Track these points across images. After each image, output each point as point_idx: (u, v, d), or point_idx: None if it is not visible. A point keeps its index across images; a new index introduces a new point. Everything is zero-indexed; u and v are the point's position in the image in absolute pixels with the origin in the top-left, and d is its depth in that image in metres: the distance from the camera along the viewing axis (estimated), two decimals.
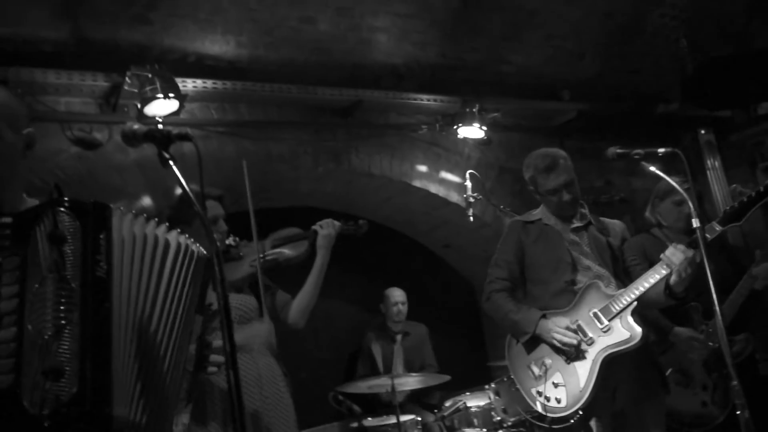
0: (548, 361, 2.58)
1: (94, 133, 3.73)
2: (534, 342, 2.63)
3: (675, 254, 2.44)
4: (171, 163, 1.50)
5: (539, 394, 2.56)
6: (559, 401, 2.50)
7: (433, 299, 5.52)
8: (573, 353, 2.53)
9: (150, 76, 3.49)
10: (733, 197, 5.19)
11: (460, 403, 4.19)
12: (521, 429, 3.87)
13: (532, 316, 2.62)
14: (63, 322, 1.29)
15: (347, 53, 4.46)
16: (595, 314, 2.57)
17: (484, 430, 3.99)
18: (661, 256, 2.49)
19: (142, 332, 1.42)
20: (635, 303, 2.52)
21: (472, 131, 4.70)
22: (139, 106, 3.61)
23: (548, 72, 5.32)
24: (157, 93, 3.48)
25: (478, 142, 4.97)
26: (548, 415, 2.51)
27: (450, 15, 4.68)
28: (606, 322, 2.54)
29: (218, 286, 1.39)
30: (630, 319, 2.52)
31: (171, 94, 3.51)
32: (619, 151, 2.52)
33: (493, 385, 4.06)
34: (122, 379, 1.34)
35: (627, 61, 5.54)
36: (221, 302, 1.37)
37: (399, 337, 4.91)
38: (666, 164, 2.62)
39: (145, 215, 1.51)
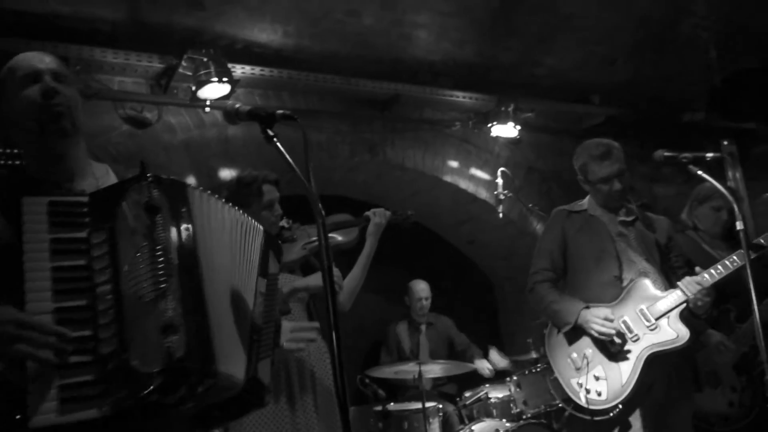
0: (589, 353, 2.59)
1: (144, 113, 3.85)
2: (575, 333, 2.64)
3: (690, 285, 2.53)
4: (275, 140, 1.60)
5: (580, 385, 2.58)
6: (599, 394, 2.53)
7: (453, 293, 5.63)
8: (616, 347, 2.55)
9: (205, 60, 3.60)
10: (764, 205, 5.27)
11: (483, 393, 4.32)
12: (542, 420, 4.00)
13: (573, 307, 2.63)
14: (164, 285, 1.34)
15: (388, 47, 4.56)
16: (642, 311, 2.58)
17: (503, 420, 4.10)
18: (678, 283, 2.57)
19: (225, 296, 1.51)
20: (684, 304, 2.55)
21: (505, 130, 4.80)
22: (193, 88, 3.71)
23: (579, 76, 5.41)
24: (211, 77, 3.59)
25: (508, 141, 5.08)
26: (589, 407, 2.54)
27: (488, 15, 4.78)
28: (653, 321, 2.56)
29: (325, 275, 1.49)
30: (678, 320, 2.54)
31: (224, 79, 3.62)
32: (666, 153, 2.55)
33: (515, 378, 4.18)
34: (219, 338, 1.41)
35: (657, 69, 5.63)
36: (327, 287, 1.47)
37: (423, 328, 5.03)
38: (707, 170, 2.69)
39: (211, 193, 1.59)
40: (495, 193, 4.60)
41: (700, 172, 2.48)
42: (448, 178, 5.01)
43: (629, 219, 2.79)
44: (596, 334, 2.57)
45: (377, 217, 2.96)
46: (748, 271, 2.30)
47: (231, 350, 1.48)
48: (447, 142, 5.02)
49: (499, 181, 4.62)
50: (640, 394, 2.55)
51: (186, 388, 1.34)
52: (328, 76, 4.31)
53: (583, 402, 2.55)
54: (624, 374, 2.52)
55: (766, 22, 5.40)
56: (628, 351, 2.54)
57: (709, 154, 2.53)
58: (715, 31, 5.44)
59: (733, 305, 3.11)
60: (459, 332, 5.13)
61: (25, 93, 1.54)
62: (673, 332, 2.54)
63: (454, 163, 5.02)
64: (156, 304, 1.33)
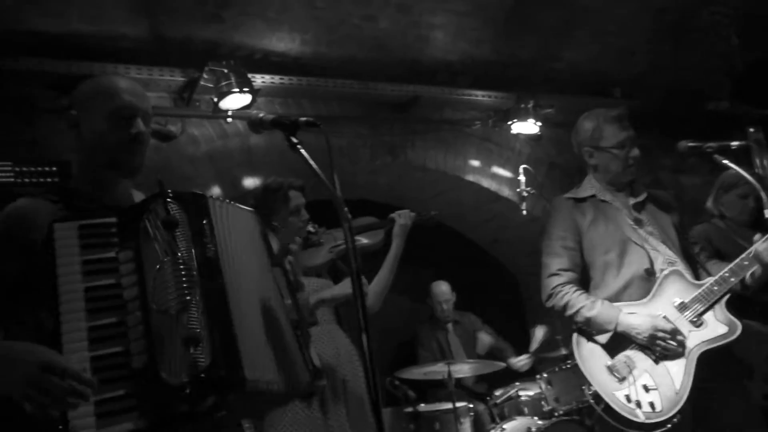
0: (632, 361, 2.31)
1: (168, 126, 3.92)
2: (612, 339, 2.35)
3: (737, 270, 2.31)
4: (299, 147, 1.62)
5: (628, 399, 2.26)
6: (653, 406, 2.23)
7: (479, 292, 5.62)
8: (663, 352, 2.29)
9: (226, 71, 3.66)
10: None
11: (513, 391, 4.31)
12: (574, 417, 3.97)
13: (611, 312, 2.34)
14: (188, 298, 1.39)
15: (405, 50, 4.58)
16: (683, 306, 2.34)
17: (535, 418, 4.08)
18: (751, 249, 2.30)
19: (251, 301, 1.55)
20: (729, 294, 2.31)
21: (526, 126, 4.79)
22: (215, 99, 3.78)
23: (598, 68, 5.37)
24: (232, 87, 3.65)
25: (529, 138, 5.06)
26: (647, 422, 2.23)
27: (504, 12, 4.77)
28: (696, 315, 2.32)
29: (354, 279, 1.53)
30: (725, 310, 2.30)
31: (245, 89, 3.67)
32: (690, 144, 2.44)
33: (545, 375, 4.16)
34: (246, 345, 1.44)
35: (677, 58, 5.56)
36: (356, 290, 1.49)
37: (450, 326, 5.04)
38: (733, 158, 2.61)
39: (227, 200, 1.63)
40: (518, 190, 4.59)
41: (725, 161, 2.38)
42: (470, 178, 5.01)
43: (641, 199, 2.53)
44: (651, 344, 2.30)
45: (402, 218, 2.98)
46: None
47: (265, 356, 1.51)
48: (468, 142, 5.02)
49: (522, 178, 4.61)
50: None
51: (215, 397, 1.37)
52: (347, 82, 4.34)
53: (642, 419, 2.22)
54: (676, 379, 2.25)
55: None
56: (677, 351, 2.28)
57: (735, 143, 2.44)
58: (735, 17, 5.36)
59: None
60: (484, 325, 5.12)
61: (117, 130, 1.58)
62: (723, 326, 2.29)
63: (475, 162, 5.02)
64: (180, 317, 1.38)
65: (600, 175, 2.55)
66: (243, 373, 1.40)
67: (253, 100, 3.88)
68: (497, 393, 4.43)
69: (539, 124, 4.82)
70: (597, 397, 2.35)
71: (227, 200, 1.62)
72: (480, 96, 4.85)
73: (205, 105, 4.00)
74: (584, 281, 2.51)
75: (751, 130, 6.09)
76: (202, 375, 1.33)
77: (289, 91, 4.28)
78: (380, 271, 2.94)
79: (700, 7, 5.29)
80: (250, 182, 4.15)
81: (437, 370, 4.04)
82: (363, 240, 2.99)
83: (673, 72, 5.61)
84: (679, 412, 2.21)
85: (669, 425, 2.22)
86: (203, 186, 4.00)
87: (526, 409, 4.26)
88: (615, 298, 2.41)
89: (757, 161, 6.00)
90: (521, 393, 4.31)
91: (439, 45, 4.69)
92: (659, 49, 5.44)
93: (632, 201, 2.51)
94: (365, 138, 4.61)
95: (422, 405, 4.22)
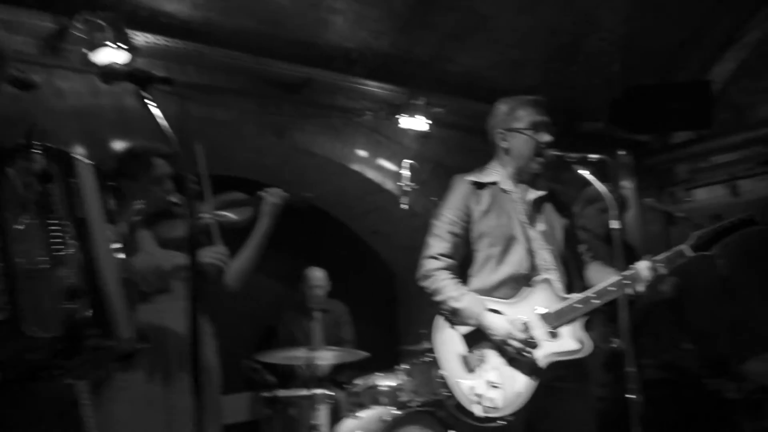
0: (485, 356, 2.36)
1: (30, 74, 3.59)
2: (473, 332, 2.40)
3: (646, 270, 2.33)
4: (149, 103, 1.55)
5: (471, 390, 2.31)
6: (493, 403, 2.29)
7: (353, 282, 5.65)
8: (515, 354, 2.34)
9: (101, 23, 3.40)
10: (647, 209, 5.58)
11: (373, 381, 4.36)
12: (428, 408, 4.08)
13: (476, 308, 2.37)
14: (62, 254, 1.36)
15: (302, 30, 4.48)
16: (545, 316, 2.37)
17: (391, 408, 4.16)
18: (631, 267, 2.36)
19: (109, 260, 1.55)
20: (588, 316, 2.35)
21: (414, 122, 4.84)
22: (86, 52, 3.50)
23: (490, 76, 5.52)
24: (107, 41, 3.39)
25: (417, 135, 5.13)
26: (484, 415, 2.29)
27: (406, 8, 4.80)
28: (554, 327, 2.35)
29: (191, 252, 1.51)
30: (582, 329, 2.35)
31: (122, 45, 3.43)
32: (554, 153, 2.50)
33: (406, 366, 4.25)
34: (112, 303, 1.45)
35: (563, 77, 5.85)
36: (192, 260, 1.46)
37: (318, 315, 5.02)
38: (595, 172, 2.72)
39: (84, 161, 1.58)
40: (398, 183, 4.65)
41: (582, 172, 2.43)
42: (355, 167, 5.01)
43: (541, 194, 2.53)
44: (501, 345, 2.35)
45: (272, 196, 2.89)
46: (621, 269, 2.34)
47: (122, 312, 1.52)
48: (357, 131, 5.01)
49: (404, 172, 4.67)
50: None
51: (87, 351, 1.38)
52: (237, 53, 4.18)
53: (480, 413, 2.28)
54: (520, 383, 2.32)
55: (665, 41, 5.75)
56: (527, 357, 2.33)
57: (593, 156, 2.47)
58: (619, 46, 5.71)
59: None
60: (348, 322, 5.14)
61: None
62: (576, 342, 2.34)
63: (362, 152, 5.02)
64: (54, 272, 1.34)
65: (509, 160, 2.54)
66: (118, 332, 1.43)
67: (132, 60, 3.63)
68: (357, 382, 4.47)
69: (429, 122, 4.89)
70: (445, 384, 2.39)
71: (76, 155, 1.57)
72: (374, 87, 4.84)
73: (77, 57, 3.70)
74: (466, 267, 2.53)
75: (622, 152, 6.55)
76: (80, 329, 1.33)
77: (174, 54, 4.06)
78: (243, 249, 2.84)
79: (590, 32, 5.59)
80: (120, 145, 3.90)
81: (299, 355, 4.02)
82: (230, 216, 2.88)
83: (559, 90, 5.89)
84: (514, 413, 2.29)
85: (502, 423, 2.29)
86: (65, 143, 3.64)
87: (383, 399, 4.33)
88: (487, 292, 2.44)
89: (624, 183, 6.47)
90: (381, 383, 4.38)
91: (337, 30, 4.63)
92: (548, 67, 5.68)
93: (532, 196, 2.51)
94: (251, 114, 4.47)
95: (280, 390, 4.19)
